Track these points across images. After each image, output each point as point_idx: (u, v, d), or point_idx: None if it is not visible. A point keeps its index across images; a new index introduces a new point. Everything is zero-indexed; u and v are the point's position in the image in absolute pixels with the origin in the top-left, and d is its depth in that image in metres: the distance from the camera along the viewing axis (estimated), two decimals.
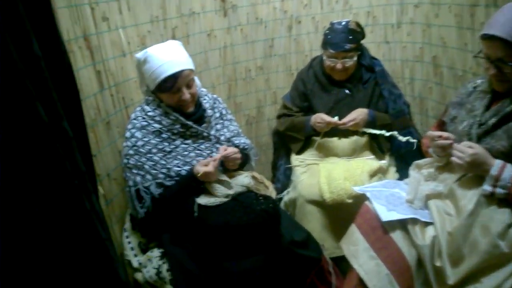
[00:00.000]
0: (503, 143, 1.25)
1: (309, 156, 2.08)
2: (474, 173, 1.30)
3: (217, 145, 1.68)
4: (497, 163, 1.24)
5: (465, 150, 1.27)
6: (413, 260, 1.30)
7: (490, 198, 1.26)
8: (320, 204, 1.87)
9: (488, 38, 1.24)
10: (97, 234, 0.82)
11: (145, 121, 1.59)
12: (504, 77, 1.27)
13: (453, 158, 1.30)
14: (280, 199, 2.07)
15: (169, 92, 1.54)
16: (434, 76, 2.34)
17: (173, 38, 2.14)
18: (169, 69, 1.49)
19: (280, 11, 2.50)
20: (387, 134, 1.88)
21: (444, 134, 1.37)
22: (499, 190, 1.23)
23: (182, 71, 1.51)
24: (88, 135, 1.02)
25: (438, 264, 1.27)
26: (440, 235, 1.29)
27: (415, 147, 1.73)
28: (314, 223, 1.89)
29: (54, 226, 0.74)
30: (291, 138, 2.13)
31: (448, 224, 1.30)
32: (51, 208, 0.72)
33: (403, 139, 1.80)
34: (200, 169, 1.50)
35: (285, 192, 2.10)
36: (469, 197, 1.30)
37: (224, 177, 1.61)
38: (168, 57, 1.50)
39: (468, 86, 1.49)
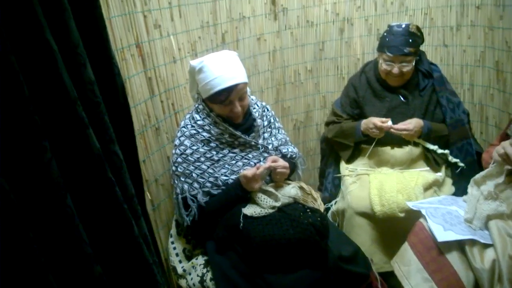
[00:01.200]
0: None
1: (359, 165, 2.01)
2: None
3: (265, 154, 1.66)
4: None
5: None
6: (470, 285, 1.21)
7: None
8: (370, 217, 1.80)
9: None
10: (144, 259, 0.82)
11: (195, 130, 1.60)
12: None
13: None
14: (328, 209, 2.02)
15: (222, 104, 1.54)
16: (497, 82, 2.19)
17: (223, 42, 2.15)
18: (224, 82, 1.49)
19: (332, 13, 2.45)
20: (440, 151, 1.82)
21: (508, 147, 1.26)
22: None
23: (236, 85, 1.51)
24: (138, 156, 1.02)
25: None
26: (501, 258, 1.19)
27: (462, 167, 1.72)
28: (363, 237, 1.82)
29: (103, 252, 0.75)
30: (340, 145, 2.07)
31: (510, 247, 1.20)
32: (101, 234, 0.73)
33: (452, 160, 1.78)
34: (247, 172, 1.49)
35: (333, 202, 2.05)
36: None
37: (271, 188, 1.59)
38: (224, 69, 1.50)
39: None
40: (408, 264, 1.29)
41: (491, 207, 1.30)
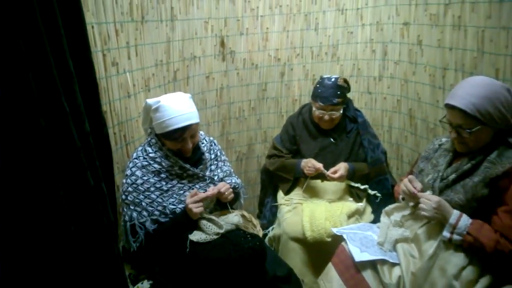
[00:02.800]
0: (460, 197, 1.45)
1: (295, 196, 2.25)
2: (436, 221, 1.49)
3: (211, 185, 1.83)
4: (455, 213, 1.43)
5: (431, 198, 1.46)
6: None
7: (448, 244, 1.45)
8: (302, 241, 2.03)
9: (450, 107, 1.46)
10: (122, 275, 0.95)
11: (146, 161, 1.74)
12: (463, 140, 1.47)
13: (420, 205, 1.49)
14: (265, 234, 2.23)
15: (175, 141, 1.70)
16: (410, 126, 2.57)
17: (175, 80, 2.33)
18: (179, 122, 1.65)
19: (274, 58, 2.72)
20: (362, 187, 2.15)
21: (415, 183, 1.56)
22: (455, 237, 1.42)
23: (190, 125, 1.68)
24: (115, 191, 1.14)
25: None
26: (404, 275, 1.46)
27: (379, 197, 2.10)
28: (296, 259, 2.04)
29: (88, 269, 0.87)
30: (281, 178, 2.31)
31: (412, 265, 1.48)
32: (88, 254, 0.86)
33: (371, 192, 2.12)
34: (189, 201, 1.66)
35: (270, 228, 2.26)
36: (430, 242, 1.48)
37: (215, 217, 1.76)
38: (179, 110, 1.66)
39: (435, 143, 1.71)
40: (331, 281, 1.52)
41: (398, 233, 1.58)
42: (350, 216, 2.04)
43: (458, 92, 1.44)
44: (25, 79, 0.60)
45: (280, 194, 2.32)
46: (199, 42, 2.46)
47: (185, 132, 1.69)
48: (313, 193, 2.22)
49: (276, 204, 2.31)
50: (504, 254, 1.34)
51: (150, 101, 1.72)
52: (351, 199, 2.19)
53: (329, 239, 1.93)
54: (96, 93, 0.90)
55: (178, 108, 1.67)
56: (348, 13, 2.65)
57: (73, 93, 0.75)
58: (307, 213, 2.06)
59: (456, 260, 1.43)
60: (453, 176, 1.49)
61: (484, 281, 1.41)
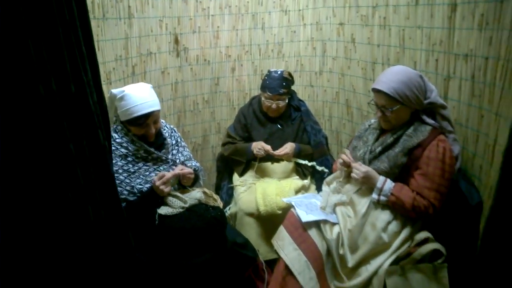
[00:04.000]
0: (385, 165, 1.77)
1: (248, 177, 2.51)
2: (366, 186, 1.80)
3: (173, 167, 2.04)
4: (381, 179, 1.75)
5: (360, 167, 1.77)
6: (324, 250, 1.75)
7: (377, 204, 1.76)
8: (256, 216, 2.29)
9: (375, 91, 1.77)
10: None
11: (114, 146, 1.91)
12: (386, 118, 1.79)
13: (352, 174, 1.79)
14: (228, 221, 2.46)
15: (139, 127, 1.89)
16: (347, 115, 2.91)
17: (133, 74, 2.50)
18: (142, 109, 1.84)
19: (225, 55, 2.95)
20: (309, 164, 2.43)
21: (348, 154, 1.87)
22: (382, 198, 1.73)
23: (152, 111, 1.88)
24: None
25: (341, 252, 1.74)
26: (342, 231, 1.76)
27: (327, 172, 2.32)
28: (251, 232, 2.29)
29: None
30: (235, 162, 2.55)
31: (349, 223, 1.78)
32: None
33: (319, 168, 2.38)
34: (157, 181, 1.85)
35: (227, 208, 2.50)
36: (362, 204, 1.79)
37: (179, 194, 1.97)
38: (142, 98, 1.85)
39: (365, 124, 2.03)
40: (282, 240, 1.78)
41: (337, 198, 1.87)
42: (297, 191, 2.32)
43: (381, 79, 1.76)
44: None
45: (235, 176, 2.56)
46: (154, 39, 2.63)
47: (148, 118, 1.88)
48: (264, 173, 2.49)
49: (232, 185, 2.54)
50: (420, 208, 1.67)
51: (114, 91, 1.89)
52: (297, 177, 2.47)
53: (280, 212, 2.19)
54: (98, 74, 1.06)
55: (141, 97, 1.86)
56: (291, 14, 2.94)
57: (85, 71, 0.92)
58: (260, 190, 2.31)
59: (383, 216, 1.75)
60: (379, 148, 1.81)
61: (405, 231, 1.73)
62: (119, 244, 1.07)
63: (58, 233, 0.77)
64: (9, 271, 0.73)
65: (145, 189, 1.92)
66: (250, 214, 2.31)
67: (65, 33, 0.84)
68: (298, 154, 2.44)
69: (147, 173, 1.95)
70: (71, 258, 0.82)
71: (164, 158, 2.02)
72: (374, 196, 1.75)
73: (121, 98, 1.86)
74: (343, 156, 1.86)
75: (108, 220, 0.98)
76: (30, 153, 0.66)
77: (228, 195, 2.57)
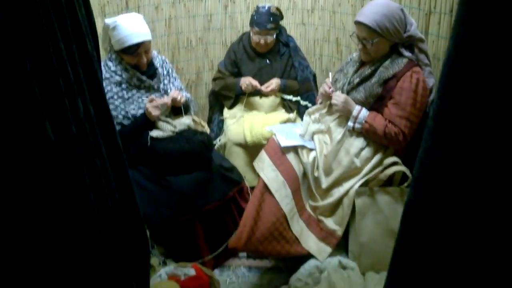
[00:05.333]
0: (361, 95, 1.88)
1: (237, 110, 2.64)
2: (344, 114, 1.92)
3: (165, 95, 2.16)
4: (357, 108, 1.87)
5: (340, 95, 1.89)
6: (300, 172, 1.91)
7: (352, 131, 1.90)
8: (243, 146, 2.45)
9: (357, 23, 1.85)
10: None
11: (109, 74, 2.03)
12: (367, 51, 1.88)
13: (332, 101, 1.91)
14: (214, 145, 2.61)
15: (131, 56, 1.99)
16: (337, 53, 2.98)
17: (127, 8, 2.56)
18: (134, 39, 1.94)
19: None
20: (294, 99, 2.56)
21: (329, 84, 1.98)
22: (357, 125, 1.87)
23: (143, 41, 1.97)
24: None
25: (316, 175, 1.90)
26: (318, 156, 1.91)
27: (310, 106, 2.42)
28: (239, 161, 2.46)
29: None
30: (224, 96, 2.67)
31: (325, 149, 1.93)
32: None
33: (303, 103, 2.52)
34: (148, 104, 1.99)
35: (217, 139, 2.65)
36: (339, 131, 1.93)
37: (170, 120, 2.12)
38: (134, 28, 1.94)
39: (348, 58, 2.12)
40: (262, 162, 1.93)
41: (316, 127, 2.01)
42: (283, 123, 2.46)
43: (364, 11, 1.83)
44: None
45: (226, 110, 2.69)
46: None
47: (140, 48, 1.98)
48: (252, 107, 2.62)
49: (222, 118, 2.68)
50: (391, 135, 1.81)
51: (108, 21, 1.98)
52: (283, 110, 2.61)
53: (265, 142, 2.33)
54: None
55: (132, 27, 1.95)
56: None
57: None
58: (248, 122, 2.45)
59: (357, 143, 1.89)
60: (357, 80, 1.92)
61: (377, 157, 1.88)
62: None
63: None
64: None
65: (139, 114, 2.06)
66: (238, 144, 2.46)
67: None
68: (284, 89, 2.55)
69: (140, 100, 2.09)
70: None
71: (156, 87, 2.14)
72: (350, 124, 1.88)
73: (114, 28, 1.95)
74: (324, 86, 1.98)
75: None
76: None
77: (219, 128, 2.72)
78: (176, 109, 2.19)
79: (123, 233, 1.17)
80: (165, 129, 2.04)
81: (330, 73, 2.06)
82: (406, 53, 1.83)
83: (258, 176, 2.03)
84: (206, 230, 2.12)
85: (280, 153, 1.92)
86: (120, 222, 1.16)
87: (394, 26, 1.78)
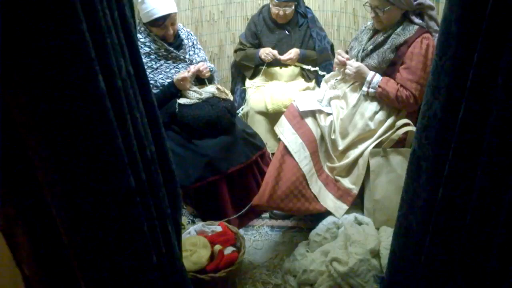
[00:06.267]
0: (375, 61, 1.99)
1: (259, 80, 2.78)
2: (358, 80, 2.04)
3: (191, 65, 2.31)
4: (370, 73, 1.98)
5: (353, 64, 2.00)
6: (318, 135, 2.05)
7: (366, 96, 2.02)
8: (265, 114, 2.60)
9: None
10: None
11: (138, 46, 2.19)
12: (379, 19, 1.98)
13: (346, 70, 2.03)
14: (237, 111, 2.77)
15: (159, 28, 2.14)
16: (354, 24, 3.06)
17: None
18: (161, 11, 2.09)
19: None
20: (312, 69, 2.67)
21: (343, 54, 2.09)
22: (371, 90, 1.98)
23: (170, 14, 2.12)
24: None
25: (333, 137, 2.04)
26: (335, 120, 2.04)
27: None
28: (261, 128, 2.61)
29: None
30: (245, 67, 2.81)
31: (341, 114, 2.05)
32: None
33: (321, 73, 2.62)
34: (179, 76, 2.15)
35: (240, 109, 2.80)
36: (354, 97, 2.05)
37: (196, 88, 2.28)
38: (160, 2, 2.09)
39: (362, 27, 2.22)
40: (283, 126, 2.08)
41: (333, 93, 2.13)
42: (302, 92, 2.58)
43: None
44: None
45: (247, 81, 2.83)
46: None
47: (166, 20, 2.13)
48: (272, 77, 2.75)
49: (244, 87, 2.83)
50: (402, 98, 1.92)
51: None
52: (303, 80, 2.73)
53: (285, 109, 2.46)
54: None
55: (159, 0, 2.09)
56: None
57: None
58: (268, 91, 2.59)
59: (371, 107, 2.01)
60: (371, 47, 2.03)
61: (390, 120, 2.00)
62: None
63: None
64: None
65: (166, 83, 2.22)
66: (260, 112, 2.61)
67: None
68: (302, 59, 2.67)
69: (168, 70, 2.25)
70: None
71: (182, 57, 2.30)
72: (364, 88, 2.00)
73: (142, 2, 2.11)
74: (338, 56, 2.09)
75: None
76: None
77: (241, 98, 2.86)
78: (201, 79, 2.34)
79: (159, 184, 1.35)
80: (192, 97, 2.20)
81: (341, 51, 2.14)
82: (417, 20, 1.92)
83: (279, 142, 2.18)
84: (231, 192, 2.30)
85: (299, 118, 2.06)
86: (157, 173, 1.34)
87: None
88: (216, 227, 2.09)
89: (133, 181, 1.11)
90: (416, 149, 1.20)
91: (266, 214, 2.47)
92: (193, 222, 2.29)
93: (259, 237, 2.35)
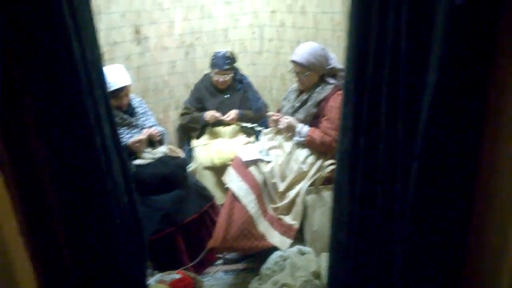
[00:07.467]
0: (302, 115, 2.40)
1: (204, 139, 3.11)
2: (291, 132, 2.43)
3: (143, 131, 2.59)
4: (299, 125, 2.38)
5: (285, 119, 2.40)
6: (261, 180, 2.37)
7: (298, 144, 2.40)
8: (212, 168, 2.89)
9: (292, 61, 2.40)
10: None
11: None
12: (302, 82, 2.42)
13: (279, 126, 2.42)
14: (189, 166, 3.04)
15: (115, 98, 2.43)
16: (283, 86, 3.55)
17: (103, 60, 2.99)
18: (117, 84, 2.40)
19: (180, 41, 3.49)
20: (250, 126, 3.05)
21: (275, 114, 2.50)
22: (301, 139, 2.37)
23: (125, 86, 2.43)
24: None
25: (273, 181, 2.37)
26: (275, 166, 2.39)
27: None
28: (209, 182, 2.89)
29: None
30: (191, 128, 3.15)
31: (279, 160, 2.41)
32: None
33: (258, 128, 2.99)
34: (134, 139, 2.42)
35: (189, 165, 3.08)
36: (288, 145, 2.43)
37: (149, 150, 2.54)
38: (118, 76, 2.40)
39: (290, 88, 2.66)
40: (230, 176, 2.38)
41: (271, 144, 2.50)
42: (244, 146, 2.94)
43: (296, 52, 2.39)
44: None
45: (194, 140, 3.15)
46: (119, 30, 3.13)
47: (121, 92, 2.43)
48: (217, 135, 3.10)
49: (191, 147, 3.13)
50: (326, 143, 2.32)
51: None
52: (244, 135, 3.10)
53: (230, 162, 2.79)
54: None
55: (116, 74, 2.41)
56: (233, 5, 3.52)
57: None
58: (214, 147, 2.92)
59: (303, 152, 2.39)
60: (297, 104, 2.45)
61: (319, 162, 2.38)
62: None
63: None
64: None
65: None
66: (207, 168, 2.91)
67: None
68: (242, 118, 3.06)
69: (122, 135, 2.50)
70: None
71: (135, 123, 2.58)
72: (296, 138, 2.39)
73: None
74: (272, 116, 2.50)
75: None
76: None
77: (189, 156, 3.15)
78: (153, 142, 2.62)
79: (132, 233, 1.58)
80: (146, 158, 2.46)
81: (273, 113, 2.57)
82: (332, 81, 2.39)
83: (226, 194, 2.47)
84: (186, 242, 2.50)
85: (244, 167, 2.39)
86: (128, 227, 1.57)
87: (318, 62, 2.33)
88: (175, 275, 2.27)
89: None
90: (336, 177, 1.56)
91: (220, 261, 2.68)
92: (152, 275, 2.44)
93: (214, 281, 2.54)
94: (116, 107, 2.48)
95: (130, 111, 2.58)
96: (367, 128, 1.30)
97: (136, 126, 2.58)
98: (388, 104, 1.12)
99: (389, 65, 1.05)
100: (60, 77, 1.15)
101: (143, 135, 2.48)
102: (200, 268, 2.57)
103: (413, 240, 1.06)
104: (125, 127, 2.53)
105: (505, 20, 0.82)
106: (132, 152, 2.46)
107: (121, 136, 2.45)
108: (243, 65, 3.58)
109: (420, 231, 1.03)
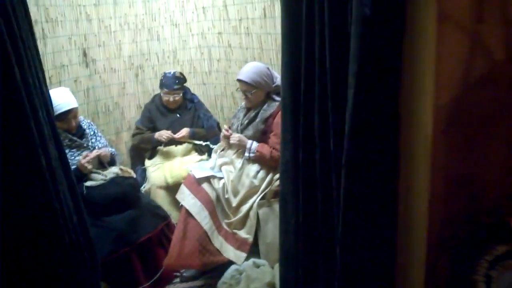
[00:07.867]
0: (251, 132, 2.50)
1: (157, 159, 3.13)
2: (241, 148, 2.52)
3: (93, 151, 2.58)
4: (249, 142, 2.48)
5: (235, 136, 2.49)
6: (214, 197, 2.43)
7: (248, 160, 2.49)
8: (166, 188, 2.92)
9: (239, 80, 2.50)
10: None
11: None
12: (249, 100, 2.53)
13: (230, 142, 2.50)
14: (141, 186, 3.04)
15: (62, 121, 2.42)
16: (233, 104, 3.65)
17: (50, 84, 2.97)
18: (64, 107, 2.39)
19: (129, 63, 3.51)
20: (204, 143, 3.11)
21: (227, 129, 2.58)
22: (251, 155, 2.46)
23: (72, 109, 2.43)
24: None
25: (226, 196, 2.44)
26: (227, 182, 2.46)
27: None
28: (163, 202, 2.90)
29: None
30: (143, 149, 3.16)
31: (231, 176, 2.48)
32: None
33: (211, 146, 3.07)
34: (82, 157, 2.41)
35: (142, 186, 3.08)
36: (239, 161, 2.51)
37: (100, 171, 2.54)
38: (63, 99, 2.40)
39: (239, 106, 2.76)
40: (183, 193, 2.43)
41: (222, 160, 2.57)
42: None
43: (242, 71, 2.50)
44: None
45: (147, 161, 3.16)
46: (66, 54, 3.12)
47: (69, 115, 2.43)
48: (169, 154, 3.13)
49: (144, 167, 3.14)
50: (275, 158, 2.42)
51: None
52: (196, 153, 3.15)
53: (184, 181, 2.83)
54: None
55: (62, 97, 2.41)
56: (180, 27, 3.61)
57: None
58: (167, 167, 2.95)
59: (254, 167, 2.48)
60: (246, 121, 2.55)
61: (269, 176, 2.48)
62: None
63: None
64: None
65: (71, 168, 2.44)
66: (161, 187, 2.93)
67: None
68: (193, 136, 3.12)
69: (72, 157, 2.49)
70: None
71: (85, 145, 2.57)
72: (246, 154, 2.48)
73: None
74: (224, 131, 2.58)
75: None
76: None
77: (142, 177, 3.16)
78: (103, 163, 2.62)
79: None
80: (97, 179, 2.45)
81: (226, 127, 2.65)
82: (277, 98, 2.51)
83: (180, 212, 2.50)
84: (142, 262, 2.50)
85: (196, 184, 2.44)
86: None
87: (264, 80, 2.45)
88: None
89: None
90: (282, 188, 1.65)
91: (177, 279, 2.69)
92: None
93: None
94: (65, 130, 2.47)
95: (79, 133, 2.57)
96: (303, 140, 1.41)
97: (86, 148, 2.58)
98: (320, 117, 1.23)
99: (319, 81, 1.16)
100: (1, 100, 1.18)
101: (92, 153, 2.48)
102: (157, 287, 2.56)
103: (346, 240, 1.17)
104: (74, 149, 2.51)
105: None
106: (83, 174, 2.44)
107: (71, 158, 2.45)
108: (193, 85, 3.66)
109: (352, 231, 1.14)
